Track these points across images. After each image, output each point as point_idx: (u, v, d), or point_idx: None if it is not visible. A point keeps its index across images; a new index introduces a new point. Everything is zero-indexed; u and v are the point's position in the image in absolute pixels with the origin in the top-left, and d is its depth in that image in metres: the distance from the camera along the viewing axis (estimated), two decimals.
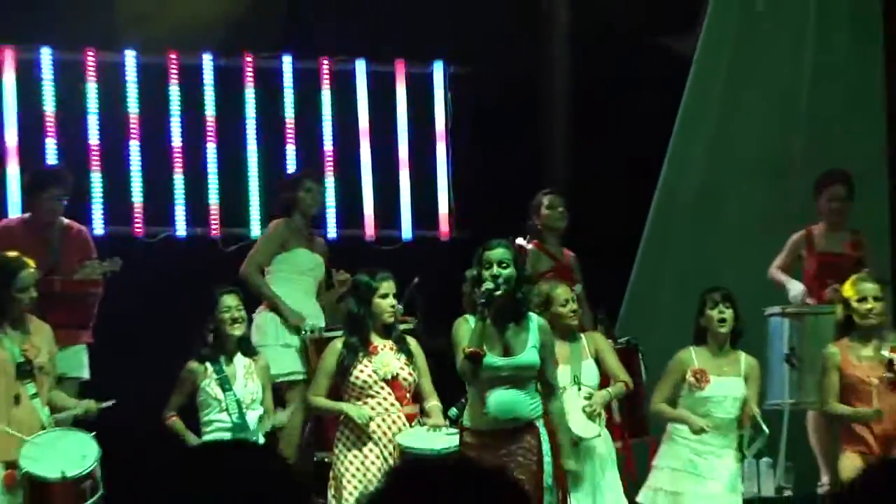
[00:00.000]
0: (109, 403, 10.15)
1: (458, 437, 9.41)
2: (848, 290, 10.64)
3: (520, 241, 11.34)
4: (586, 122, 14.09)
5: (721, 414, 10.48)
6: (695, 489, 10.45)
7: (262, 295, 11.79)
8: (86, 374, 11.32)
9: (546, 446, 9.16)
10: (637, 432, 11.18)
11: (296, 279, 11.92)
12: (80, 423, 10.19)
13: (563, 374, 10.15)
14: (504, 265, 9.17)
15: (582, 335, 10.69)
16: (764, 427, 10.50)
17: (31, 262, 10.20)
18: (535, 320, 9.37)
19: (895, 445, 10.36)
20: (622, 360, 10.98)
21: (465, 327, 9.22)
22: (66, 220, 11.78)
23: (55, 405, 10.08)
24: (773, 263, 12.46)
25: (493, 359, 9.12)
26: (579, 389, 10.31)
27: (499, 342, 9.18)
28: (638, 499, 10.64)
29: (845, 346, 10.53)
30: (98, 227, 12.96)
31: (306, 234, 12.08)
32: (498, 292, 9.05)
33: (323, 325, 11.66)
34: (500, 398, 9.12)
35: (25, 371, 9.86)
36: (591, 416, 10.23)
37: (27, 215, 11.86)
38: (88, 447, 9.61)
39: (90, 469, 9.50)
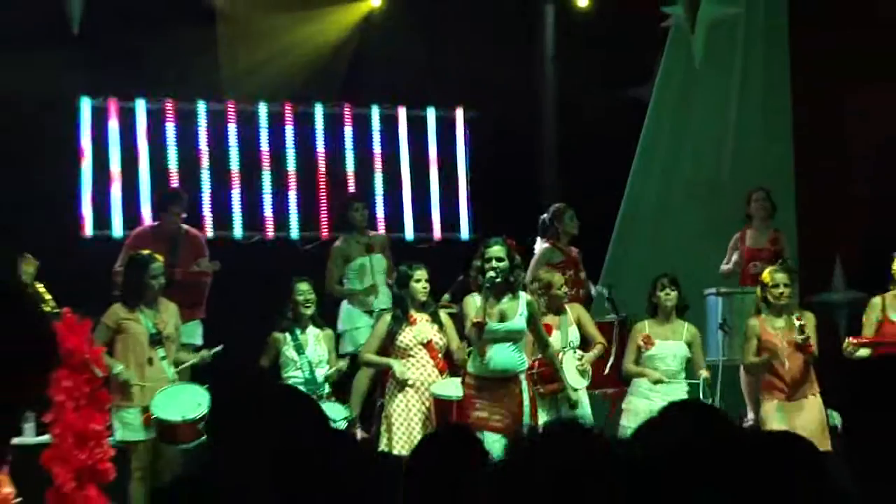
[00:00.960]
0: (218, 349, 10.34)
1: None
2: (766, 277, 10.64)
3: None
4: (569, 151, 14.24)
5: (664, 367, 10.66)
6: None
7: (343, 295, 11.92)
8: (199, 341, 11.36)
9: (525, 394, 9.48)
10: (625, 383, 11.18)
11: (362, 279, 11.99)
12: (199, 374, 10.31)
13: (555, 340, 10.29)
14: (500, 259, 9.52)
15: (567, 307, 10.67)
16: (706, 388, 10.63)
17: (159, 257, 10.34)
18: (523, 297, 9.68)
19: (800, 390, 10.43)
20: (618, 330, 11.16)
21: (472, 303, 9.60)
22: (185, 227, 11.89)
23: (180, 361, 10.22)
24: (722, 264, 12.43)
25: (492, 325, 9.43)
26: (574, 352, 10.31)
27: (497, 311, 9.48)
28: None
29: (763, 319, 10.55)
30: (209, 231, 13.07)
31: (364, 242, 12.15)
32: (497, 279, 9.44)
33: (389, 305, 11.45)
34: (496, 352, 9.46)
35: (156, 340, 10.01)
36: (582, 373, 10.28)
37: (156, 223, 12.01)
38: (202, 397, 9.69)
39: (203, 413, 9.55)
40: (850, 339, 10.59)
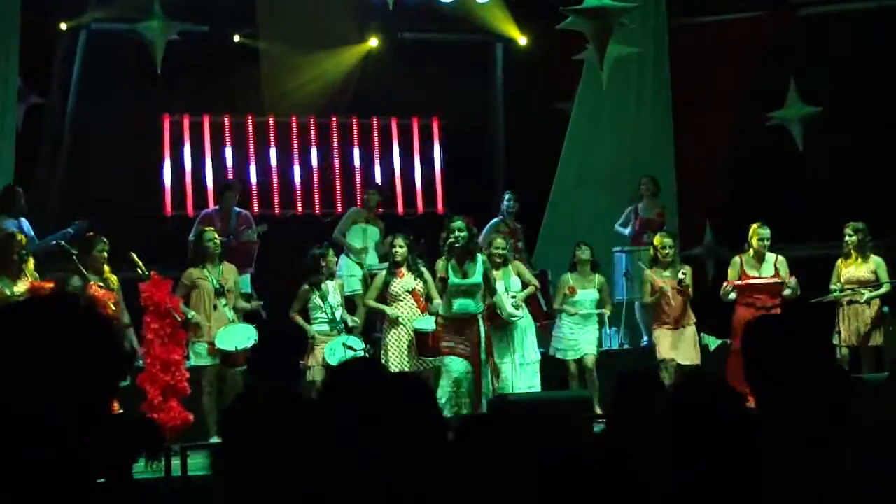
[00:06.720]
0: (261, 303, 10.31)
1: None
2: (657, 241, 10.64)
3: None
4: (515, 149, 14.13)
5: (584, 309, 10.63)
6: (577, 338, 10.57)
7: (342, 244, 11.71)
8: (249, 289, 11.16)
9: (482, 333, 9.31)
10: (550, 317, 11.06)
11: (361, 240, 11.89)
12: (248, 317, 10.19)
13: (499, 286, 9.88)
14: (461, 230, 9.35)
15: (510, 265, 10.21)
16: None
17: (211, 228, 10.34)
18: (480, 259, 9.43)
19: (681, 321, 10.40)
20: (540, 281, 10.75)
21: (441, 264, 9.43)
22: (237, 208, 11.81)
23: (239, 307, 10.04)
24: (616, 224, 12.38)
25: (456, 279, 9.33)
26: (508, 292, 9.93)
27: (460, 270, 9.30)
28: (550, 352, 10.62)
29: (654, 270, 10.54)
30: (255, 208, 12.93)
31: (368, 216, 12.06)
32: (457, 245, 9.28)
33: (376, 263, 11.57)
34: (460, 301, 9.32)
35: (220, 291, 9.87)
36: (516, 307, 9.92)
37: (217, 206, 11.92)
38: (251, 333, 9.48)
39: (252, 345, 9.26)
40: (726, 283, 10.52)
